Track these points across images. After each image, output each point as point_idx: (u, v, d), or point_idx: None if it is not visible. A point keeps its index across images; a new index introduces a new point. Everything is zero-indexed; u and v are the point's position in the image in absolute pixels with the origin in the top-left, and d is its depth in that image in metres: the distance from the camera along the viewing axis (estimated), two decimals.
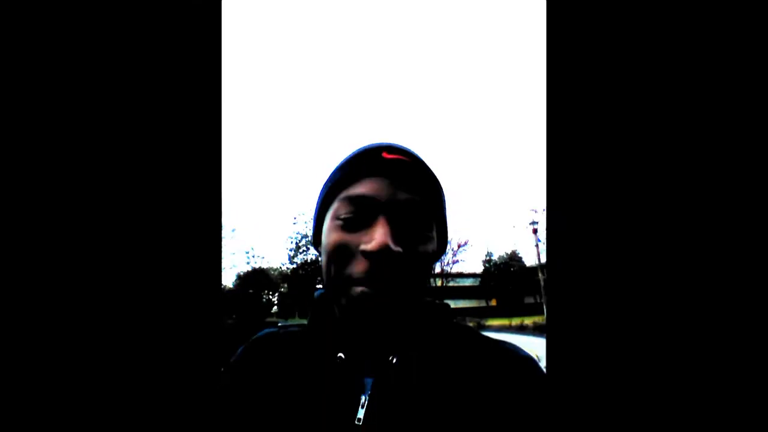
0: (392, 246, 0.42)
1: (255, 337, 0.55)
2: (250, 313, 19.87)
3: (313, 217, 0.54)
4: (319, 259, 0.51)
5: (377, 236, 0.43)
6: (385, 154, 0.47)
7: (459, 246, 34.21)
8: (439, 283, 32.90)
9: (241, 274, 21.41)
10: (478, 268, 38.76)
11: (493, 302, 37.17)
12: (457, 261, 34.41)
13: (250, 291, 20.90)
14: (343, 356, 0.46)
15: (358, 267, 0.44)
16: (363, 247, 0.43)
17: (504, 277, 35.86)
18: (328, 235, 0.47)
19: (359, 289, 0.43)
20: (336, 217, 0.47)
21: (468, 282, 37.82)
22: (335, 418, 0.42)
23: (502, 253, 37.47)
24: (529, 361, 0.46)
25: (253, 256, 21.78)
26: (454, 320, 0.51)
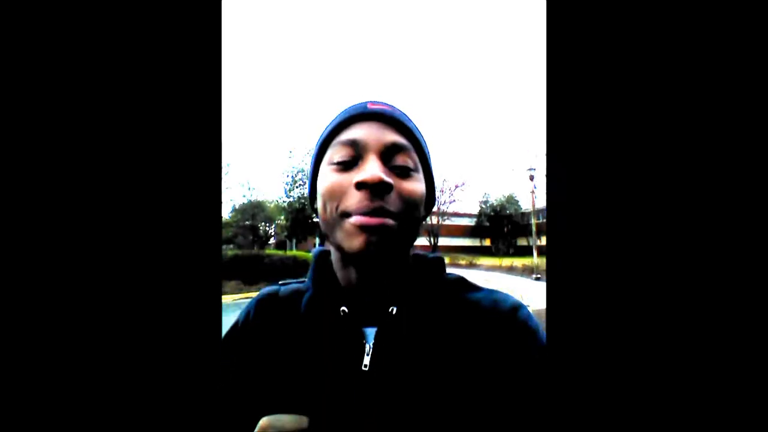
0: (384, 177, 0.45)
1: (257, 297, 0.57)
2: (248, 245, 20.26)
3: (308, 176, 0.57)
4: (315, 213, 0.53)
5: (369, 168, 0.46)
6: (370, 104, 0.52)
7: (456, 186, 34.18)
8: (435, 221, 33.35)
9: (237, 206, 21.49)
10: (475, 209, 39.11)
11: (487, 242, 37.97)
12: (454, 201, 34.60)
13: (247, 223, 21.13)
14: (346, 309, 0.49)
15: (352, 199, 0.46)
16: (357, 178, 0.46)
17: (499, 219, 36.26)
18: (323, 180, 0.50)
19: (354, 218, 0.45)
20: (330, 163, 0.50)
21: (463, 221, 38.33)
22: (343, 367, 0.46)
23: (500, 196, 37.51)
24: (517, 309, 0.50)
25: (249, 189, 21.73)
26: (447, 273, 0.55)
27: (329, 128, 0.53)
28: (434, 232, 33.08)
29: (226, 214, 21.36)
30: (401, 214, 0.47)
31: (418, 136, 0.53)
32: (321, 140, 0.54)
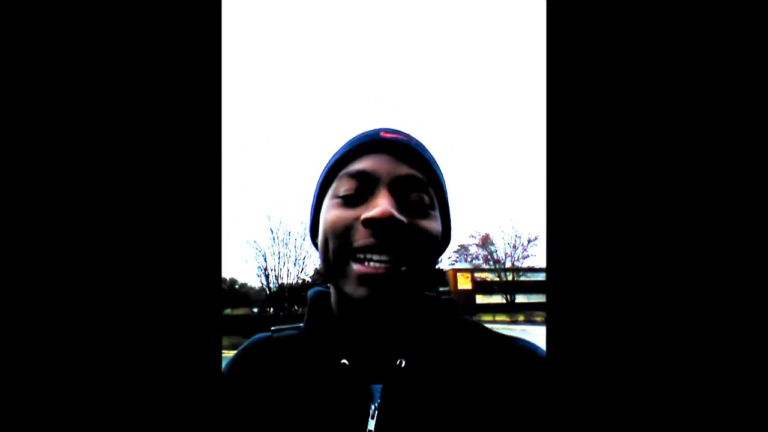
0: (396, 214, 0.40)
1: (247, 344, 0.51)
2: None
3: (310, 208, 0.52)
4: (315, 248, 0.49)
5: (379, 203, 0.41)
6: (383, 134, 0.46)
7: (529, 241, 33.45)
8: (510, 277, 32.51)
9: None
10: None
11: None
12: (528, 256, 33.70)
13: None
14: (347, 362, 0.42)
15: (358, 235, 0.41)
16: (365, 215, 0.40)
17: None
18: (327, 213, 0.45)
19: (359, 267, 0.41)
20: (335, 196, 0.45)
21: (539, 276, 36.68)
22: (343, 431, 0.39)
23: None
24: (542, 360, 0.43)
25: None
26: (462, 316, 0.49)
27: (336, 157, 0.48)
28: (510, 288, 32.14)
29: (305, 274, 23.08)
30: (413, 255, 0.42)
31: (435, 168, 0.48)
32: (326, 170, 0.49)
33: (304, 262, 22.67)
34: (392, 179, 0.43)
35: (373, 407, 0.40)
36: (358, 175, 0.44)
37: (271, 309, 22.54)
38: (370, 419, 0.39)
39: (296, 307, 21.56)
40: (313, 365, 0.44)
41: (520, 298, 32.99)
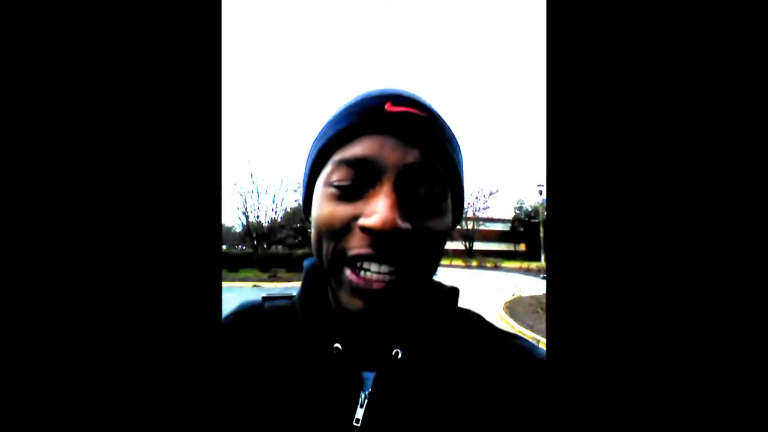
0: (399, 222, 0.34)
1: (235, 311, 0.47)
2: (297, 245, 23.52)
3: (302, 182, 0.45)
4: (309, 230, 0.45)
5: (380, 209, 0.34)
6: (389, 106, 0.37)
7: (490, 193, 36.00)
8: (470, 226, 35.24)
9: (289, 209, 24.71)
10: (509, 214, 40.61)
11: (522, 247, 39.26)
12: (488, 207, 36.41)
13: (297, 225, 24.41)
14: (340, 347, 0.39)
15: (354, 239, 0.36)
16: (362, 221, 0.35)
17: (533, 225, 37.52)
18: (320, 206, 0.38)
19: (353, 278, 0.36)
20: (329, 184, 0.38)
21: (497, 226, 39.85)
22: (330, 418, 0.37)
23: (534, 202, 38.77)
24: (542, 362, 0.40)
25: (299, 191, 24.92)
26: (460, 306, 0.45)
27: (330, 134, 0.39)
28: (469, 236, 35.05)
29: (278, 216, 24.81)
30: (418, 264, 0.37)
31: (452, 145, 0.40)
32: (318, 147, 0.41)
33: (279, 205, 24.35)
34: (398, 171, 0.36)
35: (363, 395, 0.37)
36: (357, 163, 0.36)
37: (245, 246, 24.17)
38: (359, 407, 0.37)
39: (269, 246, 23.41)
40: (304, 346, 0.41)
41: (478, 246, 36.09)
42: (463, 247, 34.83)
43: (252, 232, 23.34)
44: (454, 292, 0.45)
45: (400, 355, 0.38)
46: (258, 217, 24.09)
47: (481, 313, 0.46)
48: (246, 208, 23.57)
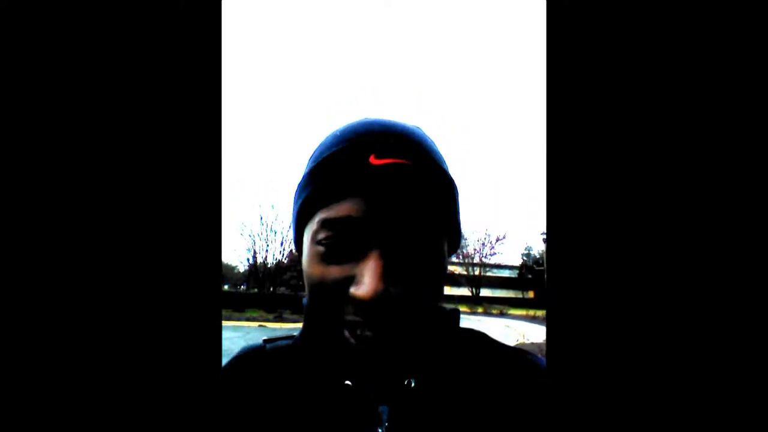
0: (390, 289, 0.33)
1: (236, 356, 0.45)
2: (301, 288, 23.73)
3: (291, 225, 0.44)
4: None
5: (368, 278, 0.33)
6: (373, 159, 0.35)
7: (497, 239, 36.10)
8: (477, 272, 35.10)
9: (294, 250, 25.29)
10: (517, 260, 40.42)
11: (531, 294, 38.69)
12: (495, 253, 36.39)
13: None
14: (350, 383, 0.37)
15: (349, 311, 0.35)
16: (353, 291, 0.34)
17: (540, 272, 37.20)
18: (310, 265, 0.37)
19: (353, 333, 0.35)
20: (316, 241, 0.36)
21: (504, 273, 39.53)
22: None
23: (542, 248, 38.64)
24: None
25: None
26: (462, 326, 0.45)
27: (312, 191, 0.37)
28: (476, 282, 34.79)
29: (285, 258, 25.18)
30: (413, 302, 0.36)
31: (446, 188, 0.39)
32: (299, 204, 0.39)
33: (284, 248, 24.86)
34: (385, 230, 0.34)
35: (380, 431, 0.36)
36: (340, 224, 0.34)
37: (256, 288, 24.48)
38: None
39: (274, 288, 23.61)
40: (312, 384, 0.39)
41: (485, 292, 35.69)
42: (470, 294, 34.51)
43: (258, 272, 23.70)
44: (455, 313, 0.44)
45: (413, 384, 0.37)
46: (265, 258, 24.63)
47: (484, 331, 0.46)
48: (255, 250, 24.15)
